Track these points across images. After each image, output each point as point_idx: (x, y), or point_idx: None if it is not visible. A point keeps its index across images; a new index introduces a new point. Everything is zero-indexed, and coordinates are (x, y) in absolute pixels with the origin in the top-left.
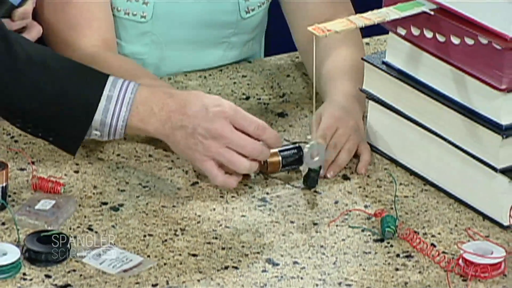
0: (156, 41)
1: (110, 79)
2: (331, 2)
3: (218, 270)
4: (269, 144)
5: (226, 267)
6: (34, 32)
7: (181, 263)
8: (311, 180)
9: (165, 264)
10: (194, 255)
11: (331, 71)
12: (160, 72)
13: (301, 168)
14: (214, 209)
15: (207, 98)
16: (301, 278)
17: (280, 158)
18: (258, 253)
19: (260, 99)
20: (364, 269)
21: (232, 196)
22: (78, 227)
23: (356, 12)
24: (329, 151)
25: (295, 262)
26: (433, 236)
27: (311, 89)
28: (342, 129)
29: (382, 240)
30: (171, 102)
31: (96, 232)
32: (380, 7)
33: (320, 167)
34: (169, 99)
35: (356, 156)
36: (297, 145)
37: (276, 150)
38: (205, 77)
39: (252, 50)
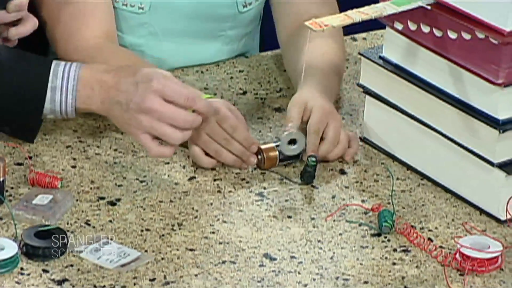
0: (153, 32)
1: (51, 67)
2: (317, 2)
3: (215, 265)
4: (202, 113)
5: (224, 262)
6: (29, 25)
7: (178, 258)
8: (307, 176)
9: (162, 259)
10: (191, 249)
11: (307, 65)
12: (160, 65)
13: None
14: (212, 204)
15: (140, 72)
16: (299, 273)
17: (277, 153)
18: (255, 247)
19: (257, 94)
20: (361, 264)
21: (230, 191)
22: (75, 222)
23: (341, 11)
24: (310, 139)
25: (292, 257)
26: (430, 230)
27: None
28: (334, 123)
29: (379, 235)
30: (109, 78)
31: (93, 227)
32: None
33: (316, 163)
34: (107, 75)
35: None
36: (295, 140)
37: (273, 145)
38: (202, 72)
39: (249, 44)
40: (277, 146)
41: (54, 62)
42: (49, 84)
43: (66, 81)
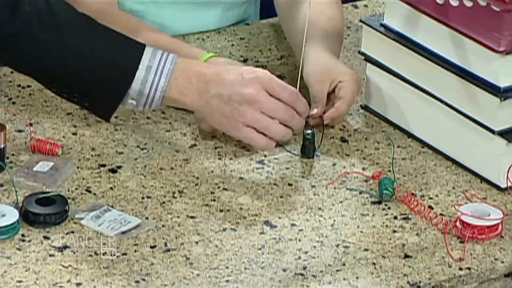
0: None
1: (149, 49)
2: None
3: (216, 232)
4: (300, 112)
5: (224, 229)
6: None
7: (179, 225)
8: (307, 150)
9: (163, 226)
10: (192, 217)
11: (313, 30)
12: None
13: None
14: (212, 171)
15: (243, 67)
16: (299, 240)
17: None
18: (256, 215)
19: (258, 61)
20: (361, 231)
21: (230, 159)
22: (76, 189)
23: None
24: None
25: (293, 224)
26: (430, 198)
27: None
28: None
29: (379, 203)
30: (208, 71)
31: (94, 194)
32: None
33: (313, 136)
34: (207, 69)
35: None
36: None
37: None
38: (203, 39)
39: (249, 11)
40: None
41: (150, 47)
42: (146, 63)
43: (164, 63)
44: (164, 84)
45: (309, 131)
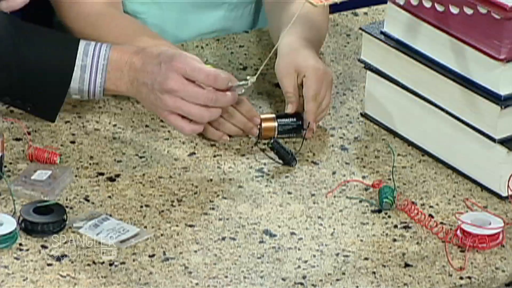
0: (156, 0)
1: (81, 46)
2: None
3: (215, 241)
4: (222, 90)
5: (223, 238)
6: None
7: (178, 234)
8: (281, 158)
9: (162, 235)
10: (191, 226)
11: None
12: (163, 34)
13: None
14: (211, 180)
15: (163, 53)
16: (299, 249)
17: (276, 124)
18: (255, 224)
19: (257, 69)
20: (361, 240)
21: (229, 167)
22: (74, 197)
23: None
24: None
25: (292, 233)
26: (431, 206)
27: None
28: (327, 86)
29: (379, 211)
30: (137, 60)
31: (92, 202)
32: None
33: (277, 143)
34: (136, 57)
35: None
36: (301, 114)
37: (273, 115)
38: (202, 47)
39: (253, 15)
40: (277, 117)
41: (83, 41)
42: (79, 63)
43: (97, 60)
44: (101, 80)
45: (272, 141)
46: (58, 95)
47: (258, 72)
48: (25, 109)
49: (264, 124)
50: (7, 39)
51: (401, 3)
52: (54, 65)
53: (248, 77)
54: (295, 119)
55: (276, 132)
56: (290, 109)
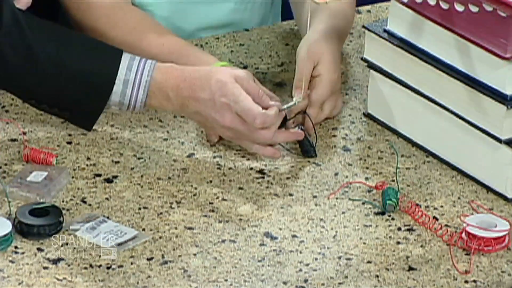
0: None
1: (125, 60)
2: None
3: (215, 244)
4: (270, 129)
5: (223, 241)
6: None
7: (177, 237)
8: (304, 149)
9: (160, 237)
10: (190, 228)
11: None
12: (172, 27)
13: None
14: (211, 181)
15: (214, 82)
16: (300, 252)
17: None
18: (256, 226)
19: (258, 68)
20: (364, 243)
21: (230, 168)
22: (71, 199)
23: None
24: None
25: (294, 236)
26: (435, 209)
27: None
28: (335, 95)
29: (383, 213)
30: (184, 86)
31: (89, 204)
32: None
33: (305, 136)
34: (183, 83)
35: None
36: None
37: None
38: (201, 45)
39: (265, 8)
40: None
41: (127, 55)
42: (122, 77)
43: (140, 76)
44: (143, 97)
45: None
46: (97, 107)
47: (303, 92)
48: (62, 117)
49: None
50: (48, 44)
51: (405, 0)
52: (95, 77)
53: (294, 98)
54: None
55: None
56: (297, 95)
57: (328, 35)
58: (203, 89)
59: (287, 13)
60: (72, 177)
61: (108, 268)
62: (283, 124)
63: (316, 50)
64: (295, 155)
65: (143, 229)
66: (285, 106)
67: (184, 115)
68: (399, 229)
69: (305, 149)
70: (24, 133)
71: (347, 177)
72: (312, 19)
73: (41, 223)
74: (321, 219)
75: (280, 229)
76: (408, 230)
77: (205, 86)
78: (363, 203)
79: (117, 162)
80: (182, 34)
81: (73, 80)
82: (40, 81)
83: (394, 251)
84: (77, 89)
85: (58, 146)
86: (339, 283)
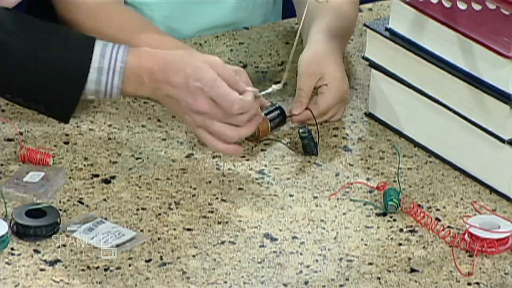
0: None
1: (98, 47)
2: None
3: (214, 245)
4: (250, 117)
5: (223, 242)
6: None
7: (175, 238)
8: (308, 148)
9: (159, 239)
10: (189, 229)
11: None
12: (172, 27)
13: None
14: (210, 182)
15: (189, 66)
16: (301, 254)
17: (269, 122)
18: (255, 227)
19: (258, 67)
20: (366, 244)
21: (229, 168)
22: (68, 200)
23: None
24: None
25: (294, 237)
26: (438, 210)
27: None
28: (341, 108)
29: (384, 214)
30: (158, 69)
31: (87, 205)
32: None
33: (309, 133)
34: (156, 66)
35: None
36: (277, 105)
37: (262, 115)
38: (200, 44)
39: (266, 6)
40: (265, 114)
41: (100, 42)
42: (96, 65)
43: (114, 62)
44: (119, 83)
45: (304, 130)
46: (73, 97)
47: (284, 80)
48: (38, 110)
49: (260, 126)
50: (19, 36)
51: None
52: (69, 66)
53: (273, 86)
54: (278, 111)
55: (270, 129)
56: (296, 108)
57: (330, 38)
58: (177, 73)
59: (287, 12)
60: (69, 178)
61: (105, 270)
62: (283, 122)
63: (317, 63)
64: (295, 155)
65: (141, 230)
66: (262, 93)
67: (157, 99)
68: (401, 230)
69: (308, 147)
70: (21, 133)
71: (348, 177)
72: (315, 19)
73: (38, 224)
74: (322, 220)
75: (280, 230)
76: (410, 231)
77: (180, 69)
78: (364, 204)
79: (114, 163)
80: (183, 35)
81: (47, 72)
82: (13, 74)
83: (395, 252)
84: (52, 81)
85: (55, 146)
86: (340, 285)
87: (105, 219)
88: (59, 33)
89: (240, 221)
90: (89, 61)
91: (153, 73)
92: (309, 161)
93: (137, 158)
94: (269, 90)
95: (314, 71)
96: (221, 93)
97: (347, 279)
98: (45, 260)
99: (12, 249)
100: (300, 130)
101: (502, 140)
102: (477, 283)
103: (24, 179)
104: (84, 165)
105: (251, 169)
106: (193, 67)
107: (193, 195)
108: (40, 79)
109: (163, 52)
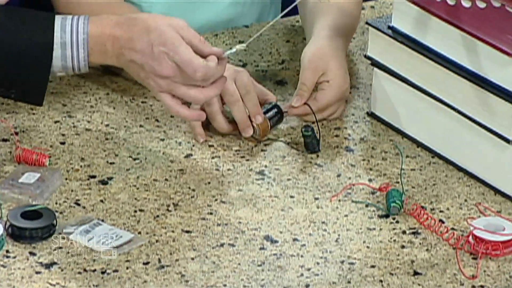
0: None
1: (57, 22)
2: None
3: (213, 248)
4: (215, 79)
5: (222, 245)
6: None
7: (174, 240)
8: (310, 146)
9: (157, 241)
10: (187, 231)
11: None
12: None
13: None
14: (209, 183)
15: (152, 31)
16: (301, 256)
17: (268, 121)
18: (255, 229)
19: (258, 66)
20: (368, 247)
21: (228, 169)
22: (64, 201)
23: None
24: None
25: (295, 239)
26: (441, 211)
27: None
28: (340, 102)
29: (387, 216)
30: (120, 35)
31: (83, 207)
32: None
33: (313, 131)
34: (119, 30)
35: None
36: (274, 103)
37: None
38: None
39: (263, 2)
40: (264, 113)
41: (59, 17)
42: (58, 41)
43: (76, 35)
44: (84, 55)
45: (308, 129)
46: (41, 77)
47: (250, 40)
48: (10, 97)
49: (260, 126)
50: None
51: None
52: (32, 46)
53: (237, 45)
54: (276, 110)
55: (270, 128)
56: (296, 101)
57: (334, 35)
58: (141, 37)
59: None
60: (66, 179)
61: (102, 272)
62: (280, 120)
63: (321, 58)
64: (296, 155)
65: (139, 232)
66: (227, 53)
67: (120, 65)
68: (404, 232)
69: (310, 144)
70: (16, 133)
71: (350, 178)
72: (319, 17)
73: (34, 226)
74: (323, 222)
75: (281, 232)
76: (413, 233)
77: (143, 34)
78: (366, 206)
79: (112, 163)
80: None
81: (11, 55)
82: None
83: (398, 255)
84: (17, 63)
85: (51, 146)
86: None
87: (102, 221)
88: (17, 14)
89: (239, 222)
90: (51, 38)
91: (115, 38)
92: (310, 162)
93: (134, 159)
94: (233, 50)
95: (317, 66)
96: (185, 59)
97: (349, 282)
98: (41, 263)
99: (7, 251)
100: (303, 129)
101: (507, 141)
102: (482, 286)
103: (20, 180)
104: (81, 166)
105: (251, 169)
106: (158, 31)
107: (192, 197)
108: (5, 63)
109: (125, 17)
